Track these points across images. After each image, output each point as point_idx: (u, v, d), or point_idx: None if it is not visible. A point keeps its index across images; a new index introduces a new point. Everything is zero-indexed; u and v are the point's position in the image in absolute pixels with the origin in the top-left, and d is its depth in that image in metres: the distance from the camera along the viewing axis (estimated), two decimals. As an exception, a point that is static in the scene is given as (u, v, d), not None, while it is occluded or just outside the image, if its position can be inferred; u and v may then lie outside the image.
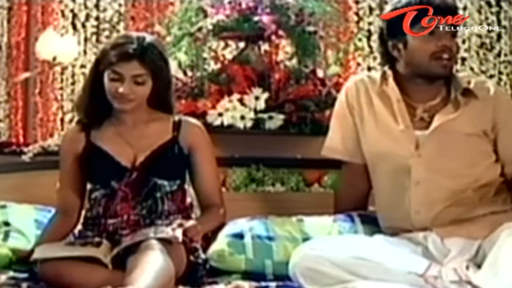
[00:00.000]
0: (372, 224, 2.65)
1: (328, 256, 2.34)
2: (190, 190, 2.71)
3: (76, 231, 2.64)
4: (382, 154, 2.60)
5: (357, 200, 2.74)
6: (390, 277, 2.28)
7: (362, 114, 2.64)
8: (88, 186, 2.68)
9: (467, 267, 2.31)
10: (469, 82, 2.58)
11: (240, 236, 2.63)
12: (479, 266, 2.33)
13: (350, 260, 2.32)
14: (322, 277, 2.32)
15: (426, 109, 2.57)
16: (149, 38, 2.62)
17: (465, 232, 2.42)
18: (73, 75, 4.19)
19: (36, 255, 2.43)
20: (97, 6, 4.21)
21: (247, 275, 2.54)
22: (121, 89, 2.53)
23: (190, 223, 2.48)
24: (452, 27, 2.54)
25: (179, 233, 2.39)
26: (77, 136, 2.68)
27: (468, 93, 2.56)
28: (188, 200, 2.68)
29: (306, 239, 2.63)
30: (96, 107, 2.62)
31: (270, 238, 2.64)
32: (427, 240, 2.46)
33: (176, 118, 2.70)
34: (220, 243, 2.60)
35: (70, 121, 4.12)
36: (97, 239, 2.49)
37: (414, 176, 2.52)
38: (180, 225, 2.43)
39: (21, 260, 2.54)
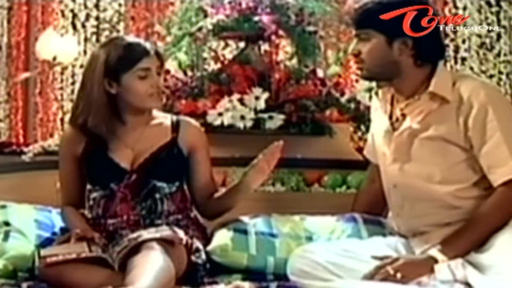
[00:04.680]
0: (374, 225, 2.65)
1: (320, 260, 2.35)
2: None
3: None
4: (378, 154, 2.63)
5: (374, 197, 2.72)
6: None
7: (376, 113, 2.68)
8: (88, 186, 2.68)
9: (463, 265, 2.30)
10: (454, 83, 2.44)
11: (244, 231, 2.64)
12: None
13: (340, 268, 2.33)
14: (314, 280, 2.33)
15: (402, 109, 2.52)
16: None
17: (440, 238, 2.39)
18: (73, 75, 4.19)
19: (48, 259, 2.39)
20: (97, 6, 4.22)
21: (247, 274, 2.54)
22: (161, 82, 2.60)
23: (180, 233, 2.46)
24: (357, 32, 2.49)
25: (181, 233, 2.39)
26: (76, 137, 2.67)
27: (435, 96, 2.45)
28: (188, 198, 2.69)
29: (309, 237, 2.64)
30: (112, 118, 2.61)
31: (273, 235, 2.64)
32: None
33: (174, 118, 2.70)
34: (224, 237, 2.61)
35: (70, 121, 4.11)
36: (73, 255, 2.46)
37: (391, 178, 2.55)
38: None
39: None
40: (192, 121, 2.75)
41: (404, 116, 2.51)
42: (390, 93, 2.57)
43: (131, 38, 2.65)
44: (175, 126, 2.67)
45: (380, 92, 2.64)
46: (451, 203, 2.41)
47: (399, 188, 2.52)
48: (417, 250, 2.44)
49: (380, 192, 2.64)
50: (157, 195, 2.58)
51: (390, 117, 2.56)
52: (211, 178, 2.71)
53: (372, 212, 2.71)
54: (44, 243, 2.59)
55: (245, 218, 2.72)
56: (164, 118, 2.69)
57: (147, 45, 2.60)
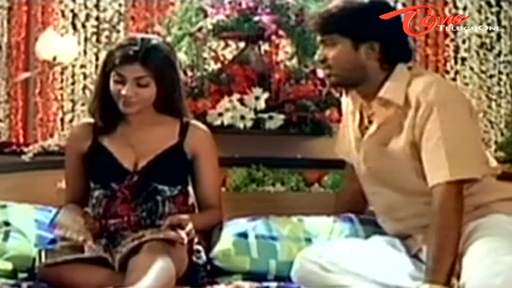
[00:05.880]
0: (370, 225, 2.65)
1: (325, 263, 2.36)
2: (191, 190, 2.71)
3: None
4: (353, 161, 2.60)
5: (354, 197, 2.70)
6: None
7: (347, 116, 2.63)
8: (91, 184, 2.67)
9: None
10: (409, 84, 2.37)
11: (244, 235, 2.64)
12: None
13: (347, 274, 2.33)
14: (321, 281, 2.35)
15: (370, 116, 2.48)
16: (155, 40, 2.59)
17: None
18: (73, 75, 4.19)
19: (47, 260, 2.39)
20: (97, 6, 4.21)
21: (248, 276, 2.54)
22: (123, 91, 2.52)
23: (184, 217, 2.48)
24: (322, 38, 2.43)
25: (182, 233, 2.39)
26: (84, 133, 2.67)
27: (386, 102, 2.39)
28: (190, 201, 2.68)
29: (308, 239, 2.65)
30: (108, 109, 2.59)
31: (273, 238, 2.65)
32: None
33: (184, 121, 2.66)
34: (226, 242, 2.61)
35: (70, 121, 4.12)
36: (81, 238, 2.46)
37: (369, 187, 2.53)
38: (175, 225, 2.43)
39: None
40: (201, 125, 2.72)
41: (371, 122, 2.47)
42: (360, 99, 2.52)
43: (133, 38, 2.58)
44: (183, 129, 2.66)
45: (350, 97, 2.57)
46: (429, 209, 2.33)
47: (378, 196, 2.51)
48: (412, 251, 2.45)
49: (360, 191, 2.61)
50: (158, 197, 2.57)
51: (360, 124, 2.51)
52: (212, 187, 2.68)
53: (354, 211, 2.72)
54: (43, 242, 2.59)
55: (242, 220, 2.72)
56: (173, 120, 2.65)
57: (134, 51, 2.50)
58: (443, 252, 2.22)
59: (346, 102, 2.63)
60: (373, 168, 2.48)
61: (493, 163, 2.49)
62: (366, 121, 2.49)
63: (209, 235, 2.64)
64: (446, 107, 2.31)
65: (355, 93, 2.52)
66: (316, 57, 2.50)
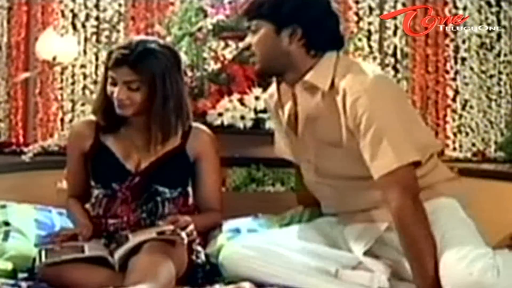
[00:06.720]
0: None
1: (249, 251, 2.40)
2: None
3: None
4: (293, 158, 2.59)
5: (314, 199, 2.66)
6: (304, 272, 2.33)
7: (275, 114, 2.61)
8: (91, 183, 2.67)
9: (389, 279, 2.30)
10: (336, 72, 2.31)
11: (237, 230, 2.67)
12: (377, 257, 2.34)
13: (271, 259, 2.37)
14: (246, 269, 2.39)
15: (296, 112, 2.44)
16: (153, 44, 2.53)
17: (366, 218, 2.36)
18: (73, 75, 4.19)
19: (47, 260, 2.39)
20: (97, 6, 4.22)
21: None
22: (115, 94, 2.52)
23: (185, 218, 2.48)
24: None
25: (183, 234, 2.39)
26: (85, 132, 2.66)
27: (311, 86, 2.35)
28: (190, 202, 2.68)
29: (297, 221, 2.70)
30: (110, 109, 2.56)
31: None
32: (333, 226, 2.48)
33: (187, 124, 2.65)
34: (220, 239, 2.62)
35: (70, 121, 4.12)
36: (80, 243, 2.46)
37: (310, 178, 2.50)
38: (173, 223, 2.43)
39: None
40: (204, 128, 2.72)
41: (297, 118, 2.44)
42: (291, 91, 2.47)
43: (129, 41, 2.57)
44: (186, 132, 2.65)
45: (281, 89, 2.52)
46: (372, 195, 2.32)
47: (322, 185, 2.48)
48: (348, 227, 2.42)
49: None
50: (159, 198, 2.57)
51: (295, 121, 2.46)
52: (214, 190, 2.68)
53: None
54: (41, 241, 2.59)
55: (233, 221, 2.73)
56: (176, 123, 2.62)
57: (123, 54, 2.48)
58: (426, 266, 2.16)
59: (268, 101, 2.61)
60: (314, 161, 2.45)
61: (436, 141, 2.46)
62: (292, 118, 2.45)
63: (206, 235, 2.65)
64: (375, 97, 2.24)
65: (285, 86, 2.47)
66: (241, 45, 2.47)
